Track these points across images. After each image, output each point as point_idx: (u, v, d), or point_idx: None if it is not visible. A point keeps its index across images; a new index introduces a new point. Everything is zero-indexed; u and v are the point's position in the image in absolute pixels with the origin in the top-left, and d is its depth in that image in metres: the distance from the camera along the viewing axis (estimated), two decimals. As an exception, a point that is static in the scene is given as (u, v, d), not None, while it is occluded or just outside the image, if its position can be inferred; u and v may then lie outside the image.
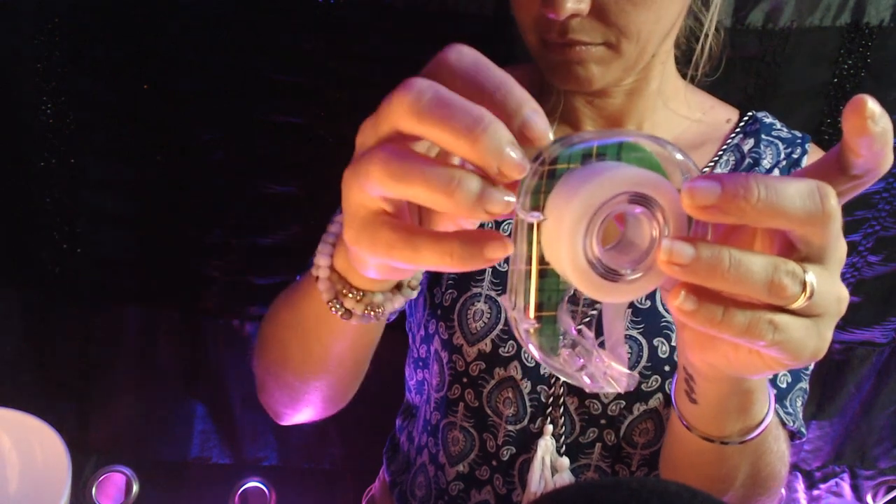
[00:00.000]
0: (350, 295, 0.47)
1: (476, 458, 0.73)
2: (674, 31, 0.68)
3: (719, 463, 0.53)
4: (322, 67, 0.88)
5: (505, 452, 0.72)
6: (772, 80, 0.89)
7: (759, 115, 0.76)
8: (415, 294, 0.49)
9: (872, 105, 0.33)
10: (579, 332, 0.38)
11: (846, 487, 1.11)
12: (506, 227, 0.69)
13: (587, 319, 0.39)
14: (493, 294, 0.69)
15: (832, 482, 1.11)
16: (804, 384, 0.69)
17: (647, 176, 0.34)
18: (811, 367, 0.70)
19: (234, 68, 0.88)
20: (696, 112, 0.75)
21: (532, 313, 0.36)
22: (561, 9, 0.57)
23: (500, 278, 0.70)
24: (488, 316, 0.69)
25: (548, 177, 0.35)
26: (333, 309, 0.47)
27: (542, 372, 0.69)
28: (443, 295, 0.71)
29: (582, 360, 0.38)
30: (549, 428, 0.70)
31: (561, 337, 0.37)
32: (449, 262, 0.34)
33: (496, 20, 0.87)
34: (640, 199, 0.34)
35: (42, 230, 0.92)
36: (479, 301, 0.69)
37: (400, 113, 0.33)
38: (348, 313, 0.48)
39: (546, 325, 0.37)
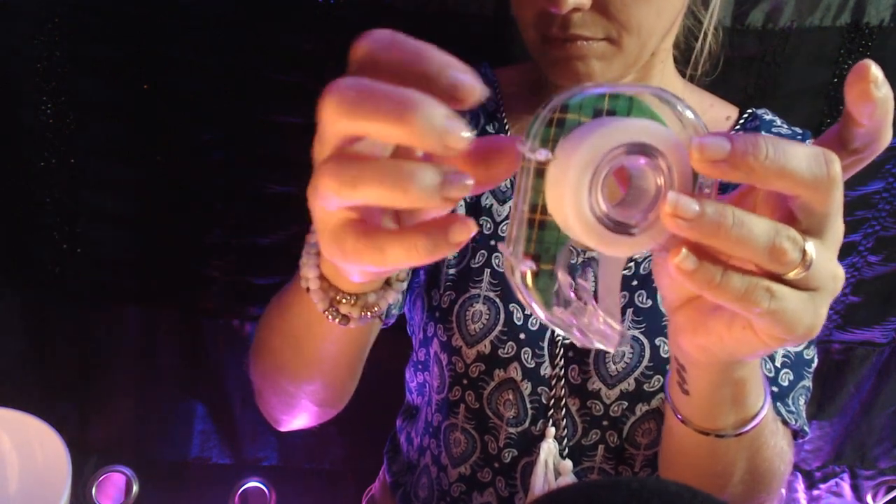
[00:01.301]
0: (344, 301, 0.47)
1: (478, 459, 0.73)
2: (674, 28, 0.67)
3: (715, 457, 0.53)
4: (322, 67, 0.88)
5: (506, 455, 0.71)
6: (772, 80, 0.89)
7: (759, 112, 0.76)
8: (404, 285, 0.49)
9: (876, 70, 0.34)
10: (575, 287, 0.37)
11: (846, 487, 1.11)
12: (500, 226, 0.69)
13: (585, 277, 0.39)
14: (491, 295, 0.69)
15: (832, 482, 1.11)
16: (807, 382, 0.69)
17: (651, 127, 0.34)
18: (814, 364, 0.70)
19: (234, 68, 0.88)
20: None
21: (532, 264, 0.36)
22: (563, 3, 0.56)
23: (499, 279, 0.69)
24: (487, 317, 0.69)
25: (556, 125, 0.35)
26: (330, 317, 0.47)
27: (542, 374, 0.69)
28: (441, 297, 0.71)
29: (575, 319, 0.38)
30: (552, 430, 0.69)
31: (555, 293, 0.37)
32: (417, 256, 0.34)
33: (496, 20, 0.87)
34: (643, 149, 0.34)
35: (42, 230, 0.92)
36: (477, 302, 0.69)
37: (330, 117, 0.33)
38: (345, 318, 0.47)
39: (542, 278, 0.36)
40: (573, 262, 0.38)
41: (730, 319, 0.39)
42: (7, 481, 0.63)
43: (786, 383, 0.67)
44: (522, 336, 0.69)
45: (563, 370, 0.69)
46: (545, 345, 0.69)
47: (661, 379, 0.67)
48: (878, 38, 0.87)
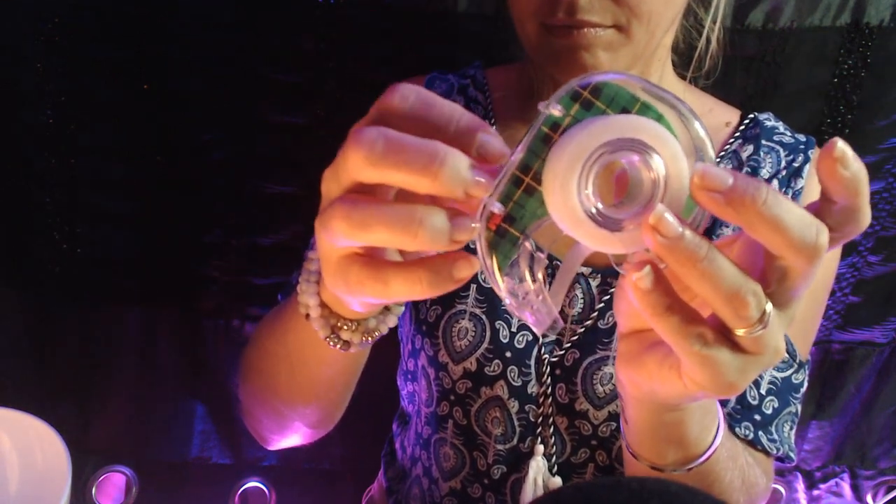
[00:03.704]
0: (346, 327, 0.47)
1: (468, 475, 0.72)
2: (676, 21, 0.66)
3: None
4: (322, 67, 0.88)
5: (496, 471, 0.71)
6: (772, 80, 0.89)
7: (762, 117, 0.74)
8: (402, 310, 0.50)
9: (843, 147, 0.33)
10: (532, 261, 0.37)
11: (846, 487, 1.11)
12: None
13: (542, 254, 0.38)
14: (477, 312, 0.68)
15: (832, 482, 1.11)
16: (794, 408, 0.68)
17: (657, 131, 0.34)
18: (803, 388, 0.69)
19: (234, 68, 0.88)
20: None
21: (502, 207, 0.36)
22: None
23: (485, 295, 0.69)
24: (473, 334, 0.68)
25: (582, 104, 0.35)
26: (331, 343, 0.47)
27: (529, 392, 0.68)
28: (427, 310, 0.70)
29: (518, 290, 0.38)
30: (540, 448, 0.68)
31: (513, 261, 0.37)
32: (420, 290, 0.35)
33: (496, 20, 0.87)
34: (640, 147, 0.34)
35: (42, 230, 0.92)
36: (463, 318, 0.68)
37: (356, 166, 0.34)
38: (346, 344, 0.48)
39: (506, 242, 0.36)
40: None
41: (662, 358, 0.39)
42: (7, 481, 0.63)
43: (770, 411, 0.67)
44: (508, 354, 0.68)
45: (550, 388, 0.68)
46: (531, 363, 0.68)
47: None
48: (878, 38, 0.86)
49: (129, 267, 0.95)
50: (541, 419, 0.69)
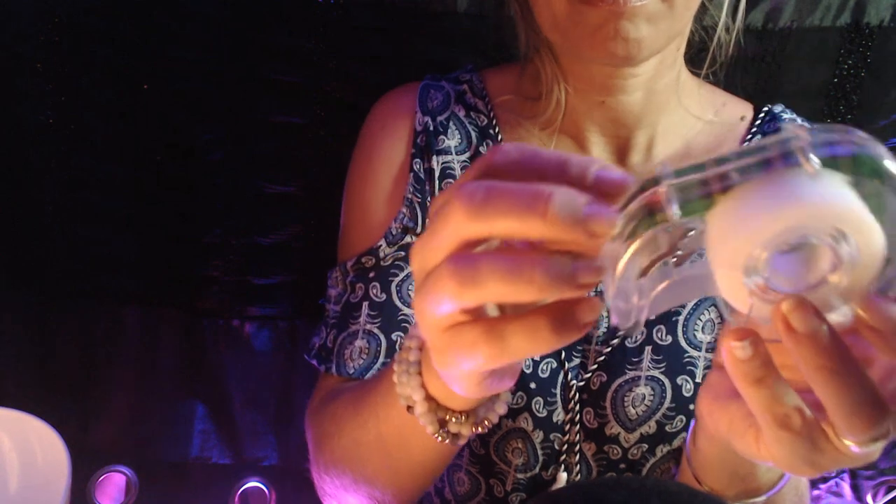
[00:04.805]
0: (455, 420, 0.44)
1: (483, 500, 0.70)
2: (696, 8, 0.65)
3: None
4: (322, 67, 0.88)
5: (514, 498, 0.68)
6: (772, 80, 0.89)
7: (776, 109, 0.73)
8: (510, 396, 0.46)
9: None
10: (655, 254, 0.33)
11: (846, 487, 1.11)
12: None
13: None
14: None
15: (832, 482, 1.11)
16: None
17: (870, 225, 0.30)
18: None
19: (234, 68, 0.88)
20: (708, 111, 0.72)
21: (677, 208, 0.30)
22: None
23: None
24: None
25: (826, 161, 0.30)
26: (440, 437, 0.44)
27: (554, 420, 0.66)
28: None
29: (623, 272, 0.33)
30: (563, 476, 0.66)
31: (644, 241, 0.32)
32: (542, 341, 0.31)
33: (497, 20, 0.87)
34: (841, 238, 0.30)
35: (42, 230, 0.92)
36: None
37: (458, 221, 0.31)
38: (455, 437, 0.45)
39: (645, 221, 0.31)
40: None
41: (748, 413, 0.36)
42: (7, 481, 0.63)
43: None
44: (533, 385, 0.65)
45: (577, 415, 0.66)
46: (557, 391, 0.66)
47: (684, 419, 0.64)
48: (878, 38, 0.87)
49: (129, 267, 0.95)
50: (566, 447, 0.66)
